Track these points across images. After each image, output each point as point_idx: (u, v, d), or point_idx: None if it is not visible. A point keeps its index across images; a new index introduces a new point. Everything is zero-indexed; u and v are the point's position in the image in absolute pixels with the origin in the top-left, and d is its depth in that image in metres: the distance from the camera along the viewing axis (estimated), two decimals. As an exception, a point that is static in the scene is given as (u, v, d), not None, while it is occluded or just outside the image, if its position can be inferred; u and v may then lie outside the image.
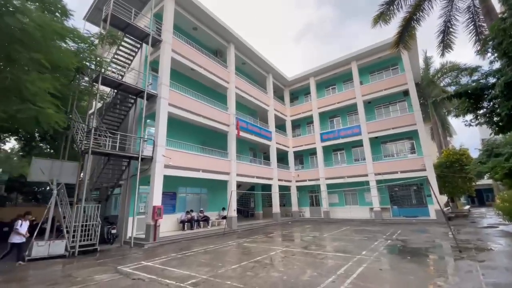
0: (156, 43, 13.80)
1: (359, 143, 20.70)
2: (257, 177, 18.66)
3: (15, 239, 8.14)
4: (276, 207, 20.15)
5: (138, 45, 13.62)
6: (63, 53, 7.64)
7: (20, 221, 8.33)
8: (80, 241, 9.50)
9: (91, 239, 9.92)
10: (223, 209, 16.77)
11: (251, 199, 23.64)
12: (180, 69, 15.92)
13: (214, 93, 18.12)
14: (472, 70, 7.23)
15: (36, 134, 16.58)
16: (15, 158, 17.65)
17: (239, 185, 22.00)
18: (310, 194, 23.69)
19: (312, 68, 23.91)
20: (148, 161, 12.04)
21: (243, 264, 7.03)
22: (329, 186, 21.45)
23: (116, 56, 13.62)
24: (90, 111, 12.89)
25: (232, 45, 18.79)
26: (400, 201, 19.24)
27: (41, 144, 18.41)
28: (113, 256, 8.97)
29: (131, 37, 13.17)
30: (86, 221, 9.92)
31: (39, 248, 8.72)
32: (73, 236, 9.38)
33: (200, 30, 17.09)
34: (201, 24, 16.74)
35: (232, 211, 15.43)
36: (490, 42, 6.37)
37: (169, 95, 13.00)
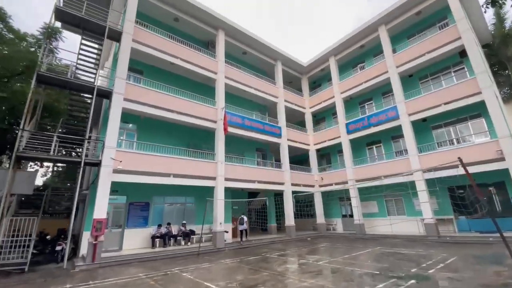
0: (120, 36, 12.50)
1: (401, 132, 15.18)
2: (259, 182, 15.26)
3: None
4: (289, 219, 16.24)
5: (100, 42, 12.52)
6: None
7: None
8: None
9: (22, 257, 8.66)
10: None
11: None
12: (160, 65, 14.35)
13: (207, 88, 15.84)
14: None
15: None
16: None
17: (258, 193, 18.97)
18: (342, 202, 18.85)
19: (331, 45, 19.48)
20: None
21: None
22: (363, 191, 16.38)
23: (80, 56, 12.81)
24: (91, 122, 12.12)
25: (222, 32, 16.40)
26: (469, 209, 13.01)
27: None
28: (15, 281, 7.21)
29: (92, 34, 12.17)
30: (17, 237, 8.69)
31: None
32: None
33: (182, 21, 15.33)
34: (182, 14, 14.94)
35: (218, 225, 12.57)
36: None
37: (125, 89, 11.29)
